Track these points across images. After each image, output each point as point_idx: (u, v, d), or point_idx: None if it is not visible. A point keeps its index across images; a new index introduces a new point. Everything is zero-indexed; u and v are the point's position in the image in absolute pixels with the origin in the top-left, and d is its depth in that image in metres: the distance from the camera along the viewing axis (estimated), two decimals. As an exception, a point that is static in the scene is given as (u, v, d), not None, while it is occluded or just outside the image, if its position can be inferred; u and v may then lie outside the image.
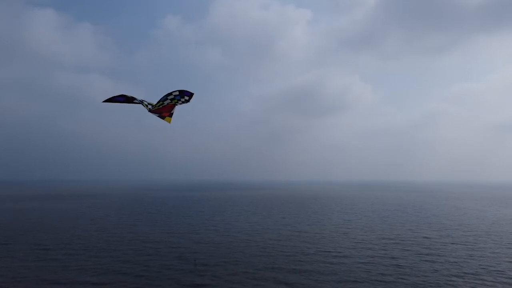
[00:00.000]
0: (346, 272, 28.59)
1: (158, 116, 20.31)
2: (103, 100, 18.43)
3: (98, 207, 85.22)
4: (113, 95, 18.72)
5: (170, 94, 19.05)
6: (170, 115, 20.38)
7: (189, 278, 27.18)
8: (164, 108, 19.82)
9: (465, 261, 32.37)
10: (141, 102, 19.54)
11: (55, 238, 43.20)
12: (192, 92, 19.10)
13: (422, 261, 32.44)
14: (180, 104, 19.75)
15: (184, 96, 19.28)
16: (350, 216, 67.90)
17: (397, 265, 30.72)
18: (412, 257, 33.86)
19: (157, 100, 19.60)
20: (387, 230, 49.55)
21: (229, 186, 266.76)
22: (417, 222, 58.00)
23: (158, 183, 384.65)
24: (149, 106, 19.75)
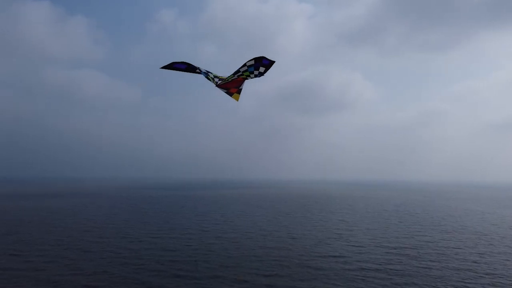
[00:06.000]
0: (344, 282, 25.70)
1: (225, 92, 17.11)
2: (161, 67, 15.16)
3: (86, 207, 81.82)
4: (172, 62, 15.22)
5: (244, 65, 15.55)
6: (239, 91, 17.07)
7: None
8: (232, 82, 16.56)
9: (462, 265, 29.82)
10: (206, 73, 16.24)
11: (30, 242, 39.90)
12: (273, 60, 15.27)
13: (419, 267, 30.14)
14: (253, 77, 16.19)
15: (259, 67, 15.65)
16: (347, 217, 65.11)
17: (395, 272, 27.89)
18: (410, 262, 31.29)
19: (229, 74, 16.19)
20: (386, 233, 46.76)
21: (225, 185, 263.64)
22: (415, 224, 55.42)
23: (152, 181, 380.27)
24: (216, 80, 16.50)
